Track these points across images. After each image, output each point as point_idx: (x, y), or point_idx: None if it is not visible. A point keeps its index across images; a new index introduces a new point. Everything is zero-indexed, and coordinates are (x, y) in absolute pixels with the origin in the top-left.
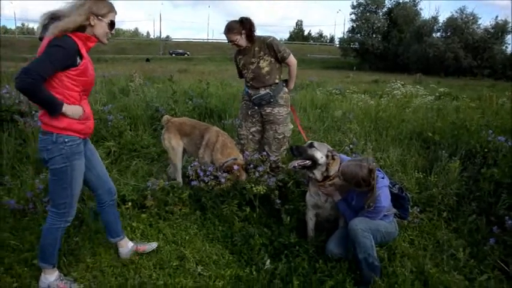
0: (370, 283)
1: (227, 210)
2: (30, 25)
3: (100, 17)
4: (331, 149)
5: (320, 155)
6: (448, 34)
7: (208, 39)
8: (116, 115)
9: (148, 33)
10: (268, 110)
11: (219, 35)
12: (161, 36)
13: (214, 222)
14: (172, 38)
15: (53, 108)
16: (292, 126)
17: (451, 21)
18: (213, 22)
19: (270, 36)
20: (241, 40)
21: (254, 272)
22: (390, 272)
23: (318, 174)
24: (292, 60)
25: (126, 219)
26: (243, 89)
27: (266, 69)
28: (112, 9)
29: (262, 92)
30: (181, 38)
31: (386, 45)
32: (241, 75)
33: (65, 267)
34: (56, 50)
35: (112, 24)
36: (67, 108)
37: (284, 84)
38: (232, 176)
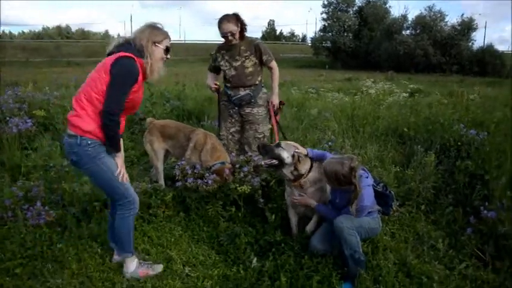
0: (356, 277)
1: (212, 211)
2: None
3: (156, 43)
4: (299, 149)
5: (286, 155)
6: (417, 32)
7: (180, 41)
8: None
9: (118, 35)
10: (248, 110)
11: (191, 36)
12: None
13: (199, 223)
14: None
15: (115, 147)
16: (270, 126)
17: (419, 19)
18: (184, 23)
19: (257, 38)
20: (237, 33)
21: (241, 271)
22: (374, 265)
23: (287, 173)
24: (275, 64)
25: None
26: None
27: (250, 69)
28: (166, 36)
29: (243, 92)
30: None
31: (357, 43)
32: (213, 70)
33: (49, 274)
34: (125, 80)
35: (167, 50)
36: (118, 156)
37: (263, 85)
38: (221, 179)
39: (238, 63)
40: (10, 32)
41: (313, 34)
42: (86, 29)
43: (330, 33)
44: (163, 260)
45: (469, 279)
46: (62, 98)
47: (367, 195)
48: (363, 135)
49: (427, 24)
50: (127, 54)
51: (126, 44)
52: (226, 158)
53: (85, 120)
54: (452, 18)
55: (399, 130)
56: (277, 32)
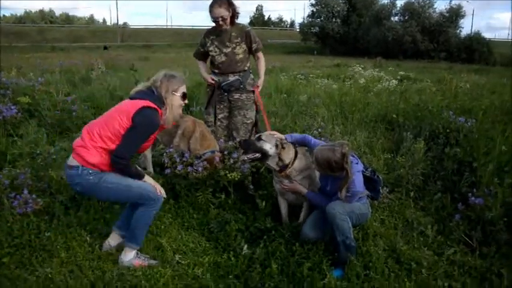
0: (346, 263)
1: (202, 198)
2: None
3: (173, 92)
4: (281, 137)
5: (268, 146)
6: (406, 18)
7: (167, 26)
8: (81, 105)
9: (104, 20)
10: (237, 96)
11: (178, 21)
12: (119, 23)
13: (189, 211)
14: (130, 24)
15: (134, 178)
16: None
17: (408, 5)
18: (171, 8)
19: (248, 26)
20: (228, 18)
21: (232, 258)
22: (364, 252)
23: (272, 164)
24: (261, 54)
25: (98, 212)
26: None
27: (240, 56)
28: (182, 83)
29: (232, 78)
30: (139, 25)
31: (345, 29)
32: (201, 56)
33: (38, 264)
34: (146, 130)
35: (184, 96)
36: (147, 179)
37: (251, 72)
38: (211, 168)
39: (229, 49)
40: None
41: (302, 20)
42: (70, 14)
43: (318, 19)
44: (153, 247)
45: (456, 264)
46: (47, 84)
47: (358, 181)
48: (352, 122)
49: (415, 10)
50: (151, 105)
51: (148, 91)
52: (216, 146)
53: (91, 153)
54: (441, 5)
55: (389, 117)
56: (266, 18)
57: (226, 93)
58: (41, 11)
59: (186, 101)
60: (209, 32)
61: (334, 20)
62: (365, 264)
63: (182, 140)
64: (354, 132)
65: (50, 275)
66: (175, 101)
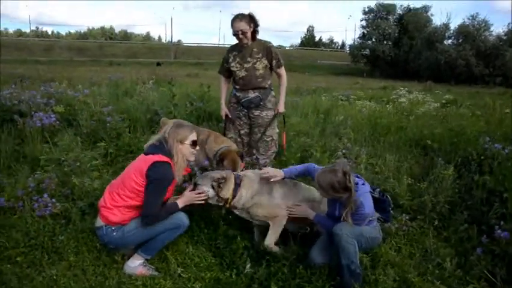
0: None
1: (214, 213)
2: (44, 28)
3: (182, 141)
4: (218, 176)
5: (205, 190)
6: (460, 41)
7: (219, 44)
8: (115, 117)
9: (159, 37)
10: (257, 113)
11: (230, 40)
12: (173, 41)
13: (200, 225)
14: (184, 42)
15: (175, 211)
16: (278, 130)
17: (462, 28)
18: (224, 27)
19: (269, 42)
20: (249, 33)
21: (234, 276)
22: (372, 280)
23: (213, 202)
24: (283, 71)
25: None
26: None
27: (261, 71)
28: (191, 131)
29: (252, 95)
30: (193, 43)
31: (396, 52)
32: (224, 73)
33: (47, 265)
34: (161, 184)
35: (194, 143)
36: (183, 202)
37: (272, 89)
38: (228, 163)
39: (249, 64)
40: (58, 32)
41: (352, 41)
42: (129, 31)
43: (369, 41)
44: (158, 259)
45: None
46: (92, 96)
47: (367, 203)
48: (383, 145)
49: (470, 33)
50: (162, 159)
51: (159, 144)
52: (231, 144)
53: (113, 213)
54: (498, 28)
55: (424, 141)
56: (316, 39)
57: (245, 110)
58: (102, 28)
59: (197, 148)
60: (232, 49)
61: (385, 42)
62: None
63: (200, 152)
64: (383, 155)
65: (55, 277)
66: (185, 150)
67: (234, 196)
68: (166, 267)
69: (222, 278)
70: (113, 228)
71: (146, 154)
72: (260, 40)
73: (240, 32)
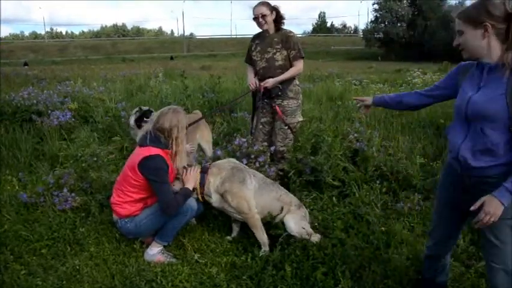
0: None
1: None
2: (59, 29)
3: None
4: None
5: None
6: None
7: (231, 35)
8: (129, 111)
9: (172, 31)
10: (278, 101)
11: (242, 30)
12: (185, 34)
13: (215, 213)
14: (196, 35)
15: (189, 196)
16: (301, 119)
17: None
18: (235, 17)
19: (292, 32)
20: (269, 18)
21: (249, 259)
22: (386, 259)
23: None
24: (300, 64)
25: None
26: None
27: (280, 62)
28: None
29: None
30: (205, 35)
31: (411, 33)
32: (249, 61)
33: (70, 256)
34: (160, 175)
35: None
36: (191, 184)
37: (295, 77)
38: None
39: (270, 55)
40: (72, 32)
41: (365, 25)
42: (141, 27)
43: (382, 24)
44: (175, 247)
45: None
46: (106, 92)
47: None
48: (396, 127)
49: None
50: (151, 153)
51: (148, 136)
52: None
53: (124, 208)
54: None
55: (437, 121)
56: (328, 24)
57: (266, 100)
58: (115, 25)
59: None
60: (256, 36)
61: (399, 24)
62: (385, 271)
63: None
64: (396, 137)
65: (78, 267)
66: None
67: (202, 185)
68: (183, 254)
69: (238, 262)
70: (126, 220)
71: (140, 146)
72: (283, 30)
73: (260, 15)
